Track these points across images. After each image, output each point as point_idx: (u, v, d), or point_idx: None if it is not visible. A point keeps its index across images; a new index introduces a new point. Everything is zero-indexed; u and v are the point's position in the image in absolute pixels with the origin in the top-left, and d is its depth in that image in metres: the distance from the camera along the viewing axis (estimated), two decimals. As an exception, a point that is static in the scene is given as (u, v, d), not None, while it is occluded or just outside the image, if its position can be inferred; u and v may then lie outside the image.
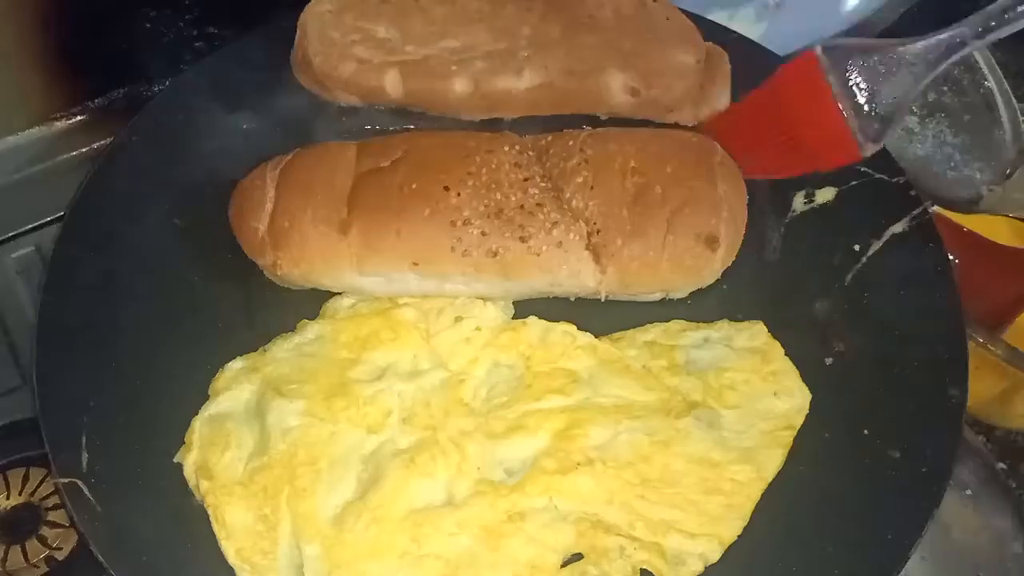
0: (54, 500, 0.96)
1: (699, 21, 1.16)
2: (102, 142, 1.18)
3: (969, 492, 1.00)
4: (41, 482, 0.97)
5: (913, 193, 1.01)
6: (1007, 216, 1.23)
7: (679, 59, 1.05)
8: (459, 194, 0.90)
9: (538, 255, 0.90)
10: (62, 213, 1.10)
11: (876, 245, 0.98)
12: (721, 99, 1.07)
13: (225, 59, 1.12)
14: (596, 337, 0.93)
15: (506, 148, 0.93)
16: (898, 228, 0.99)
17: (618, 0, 1.07)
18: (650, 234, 0.90)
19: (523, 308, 0.95)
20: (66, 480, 0.83)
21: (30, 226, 1.14)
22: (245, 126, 1.05)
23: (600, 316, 0.95)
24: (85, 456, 0.85)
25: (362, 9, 1.07)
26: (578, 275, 0.92)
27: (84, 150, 1.19)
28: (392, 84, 1.05)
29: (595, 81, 1.04)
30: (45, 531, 0.94)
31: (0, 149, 1.17)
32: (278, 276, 0.95)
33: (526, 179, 0.91)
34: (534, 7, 1.08)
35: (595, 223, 0.91)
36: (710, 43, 1.07)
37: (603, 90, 1.05)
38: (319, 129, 1.06)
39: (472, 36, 1.06)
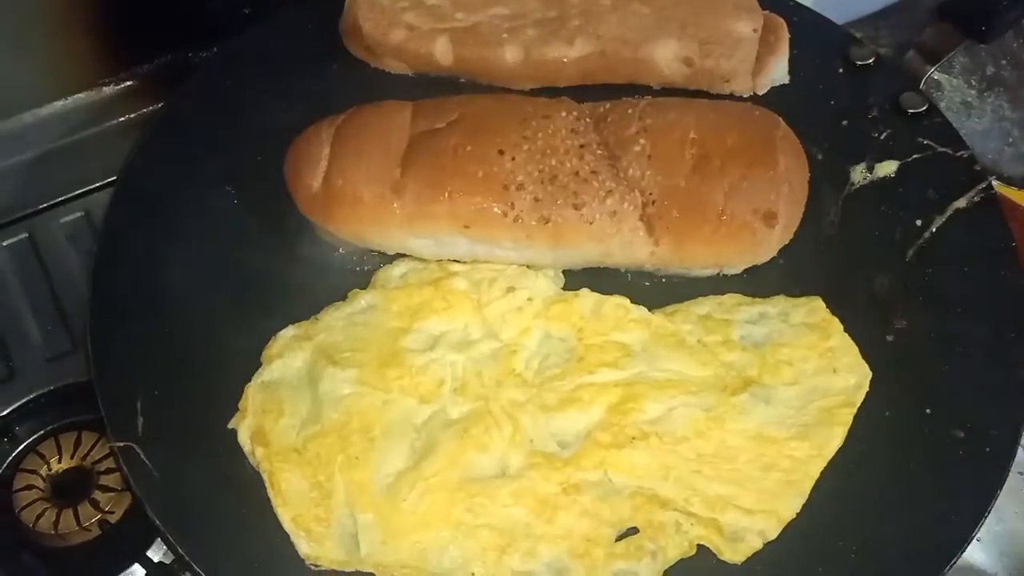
0: (107, 464, 0.96)
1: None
2: (151, 108, 1.18)
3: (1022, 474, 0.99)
4: (93, 446, 0.97)
5: (978, 168, 0.99)
6: (1065, 193, 1.20)
7: (736, 28, 1.03)
8: (514, 158, 0.89)
9: (591, 223, 0.89)
10: (111, 179, 1.11)
11: (939, 220, 0.96)
12: (778, 69, 1.05)
13: (275, 26, 1.11)
14: (649, 311, 0.92)
15: (563, 114, 0.92)
16: (961, 203, 0.97)
17: None
18: (707, 207, 0.89)
19: (575, 281, 0.94)
20: (122, 444, 0.83)
21: (79, 191, 1.14)
22: (295, 93, 1.04)
23: (653, 290, 0.94)
24: (140, 421, 0.85)
25: None
26: (631, 245, 0.90)
27: (132, 116, 1.18)
28: (442, 51, 1.04)
29: (648, 50, 1.02)
30: (97, 495, 0.95)
31: (48, 114, 1.17)
32: (329, 233, 0.95)
33: (582, 146, 0.90)
34: None
35: (651, 193, 0.89)
36: (768, 11, 1.05)
37: (657, 59, 1.03)
38: (369, 97, 1.05)
39: (522, 3, 1.05)
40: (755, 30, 1.03)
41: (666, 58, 1.03)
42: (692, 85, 1.05)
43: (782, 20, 1.06)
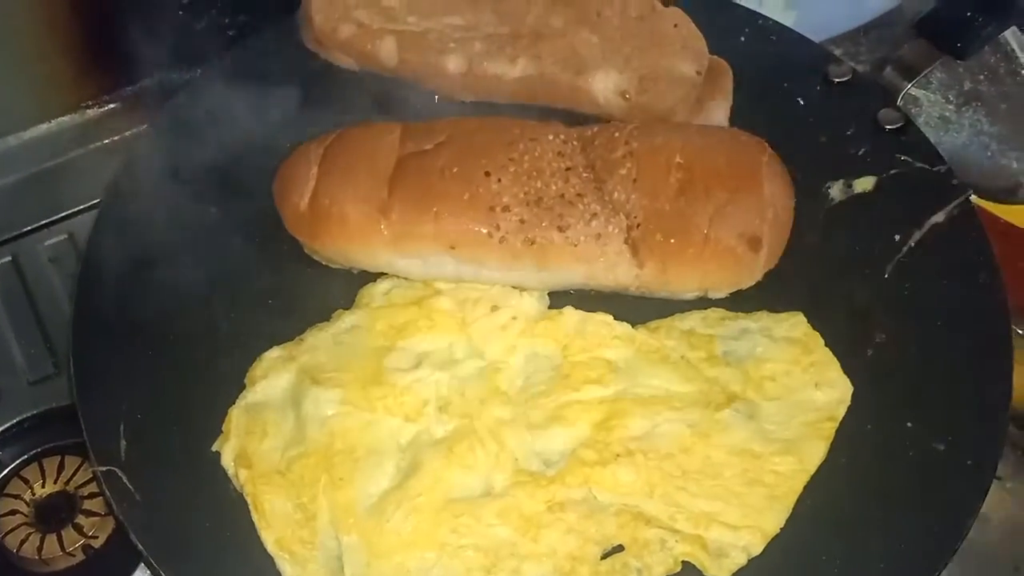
0: (90, 488, 0.96)
1: (731, 8, 1.15)
2: (134, 130, 1.18)
3: (1009, 485, 0.99)
4: (76, 470, 0.97)
5: (955, 182, 1.00)
6: (1044, 206, 1.22)
7: (678, 68, 1.03)
8: (500, 180, 0.89)
9: (575, 245, 0.90)
10: (95, 201, 1.11)
11: (917, 235, 0.97)
12: (717, 114, 1.04)
13: (258, 47, 1.12)
14: (633, 326, 0.92)
15: (550, 136, 0.92)
16: (939, 218, 0.97)
17: (628, 0, 1.06)
18: (691, 231, 0.89)
19: (558, 300, 0.94)
20: (104, 468, 0.83)
21: (63, 214, 1.15)
22: (279, 112, 1.04)
23: (636, 305, 0.94)
24: (123, 444, 0.85)
25: None
26: (615, 268, 0.91)
27: (116, 138, 1.19)
28: (387, 52, 1.05)
29: (587, 79, 1.03)
30: (81, 519, 0.95)
31: (32, 137, 1.18)
32: (316, 252, 0.95)
33: (568, 168, 0.90)
34: None
35: (636, 217, 0.90)
36: (715, 57, 1.05)
37: (594, 89, 1.03)
38: (355, 117, 1.05)
39: (476, 16, 1.06)
40: (698, 72, 1.03)
41: (604, 89, 1.03)
42: (628, 119, 1.02)
43: (728, 66, 1.05)
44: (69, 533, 0.94)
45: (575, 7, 1.06)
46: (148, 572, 0.90)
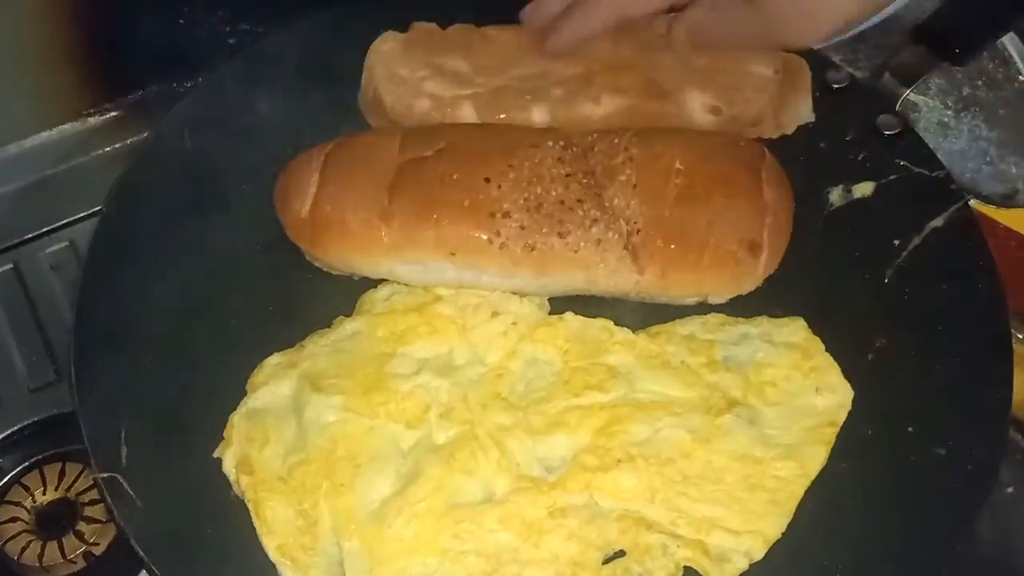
0: (91, 495, 0.96)
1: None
2: (135, 138, 1.18)
3: (1011, 490, 0.99)
4: (77, 477, 0.97)
5: (953, 187, 1.00)
6: (1043, 211, 1.22)
7: (757, 72, 1.02)
8: (500, 186, 0.90)
9: (575, 251, 0.90)
10: (96, 209, 1.11)
11: (916, 240, 0.97)
12: (803, 109, 1.04)
13: (259, 55, 1.12)
14: (633, 332, 0.92)
15: (550, 143, 0.92)
16: (938, 222, 0.98)
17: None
18: (691, 237, 0.89)
19: (559, 306, 0.94)
20: (105, 475, 0.83)
21: (64, 221, 1.15)
22: (280, 121, 1.05)
23: (637, 311, 0.94)
24: (124, 451, 0.85)
25: (427, 44, 1.05)
26: (616, 274, 0.91)
27: (117, 146, 1.19)
28: (468, 118, 1.01)
29: (675, 102, 1.01)
30: (82, 526, 0.94)
31: (33, 145, 1.18)
32: (317, 259, 0.95)
33: (568, 175, 0.91)
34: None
35: (636, 223, 0.90)
36: (788, 53, 1.04)
37: (684, 110, 1.01)
38: (357, 124, 1.06)
39: (543, 64, 1.03)
40: (776, 71, 1.02)
41: (694, 108, 1.01)
42: (723, 132, 1.01)
43: (802, 60, 1.04)
44: (70, 540, 0.94)
45: (638, 35, 1.04)
46: (149, 579, 0.89)
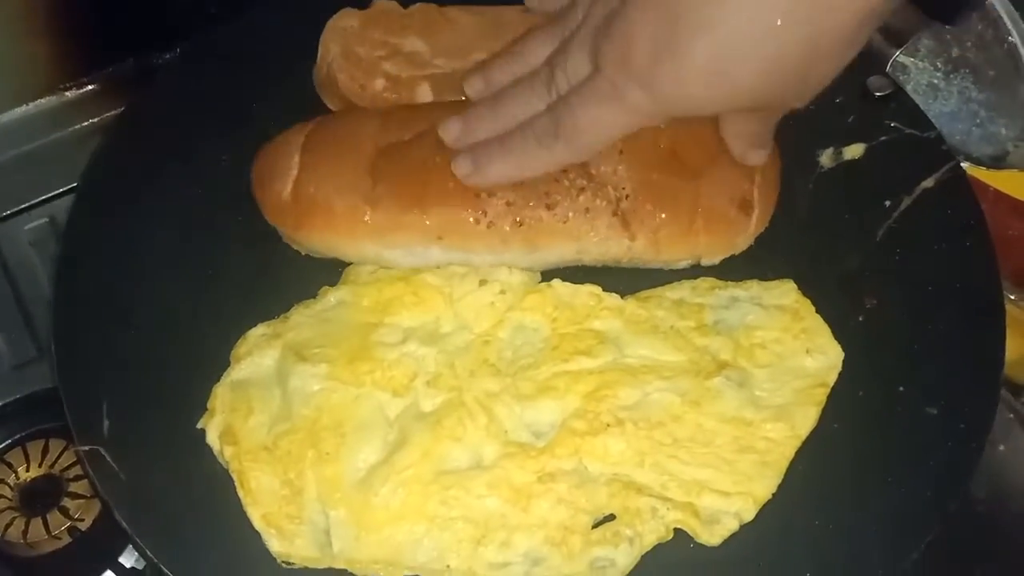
0: (75, 471, 0.95)
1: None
2: (113, 112, 1.16)
3: (1003, 448, 0.99)
4: (61, 453, 0.96)
5: (944, 148, 0.99)
6: (1034, 174, 1.21)
7: None
8: None
9: (565, 222, 0.88)
10: (75, 184, 1.09)
11: (907, 201, 0.96)
12: None
13: (240, 27, 1.10)
14: (622, 297, 0.91)
15: None
16: (929, 183, 0.97)
17: None
18: (680, 199, 0.88)
19: (546, 273, 0.93)
20: (88, 447, 0.82)
21: (43, 197, 1.13)
22: (259, 94, 1.03)
23: (626, 276, 0.93)
24: (106, 423, 0.83)
25: (387, 23, 1.03)
26: (607, 241, 0.89)
27: (95, 120, 1.17)
28: (424, 99, 1.00)
29: None
30: (67, 502, 0.94)
31: (9, 120, 1.16)
32: (297, 242, 0.93)
33: None
34: None
35: (624, 188, 0.89)
36: None
37: None
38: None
39: (504, 48, 0.99)
40: None
41: None
42: None
43: None
44: (55, 516, 0.93)
45: None
46: (136, 553, 0.89)
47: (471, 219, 0.88)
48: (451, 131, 0.89)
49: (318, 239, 0.92)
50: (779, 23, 0.73)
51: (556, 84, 0.85)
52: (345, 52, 1.01)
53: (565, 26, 0.88)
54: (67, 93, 1.17)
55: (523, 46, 0.92)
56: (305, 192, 0.90)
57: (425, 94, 1.00)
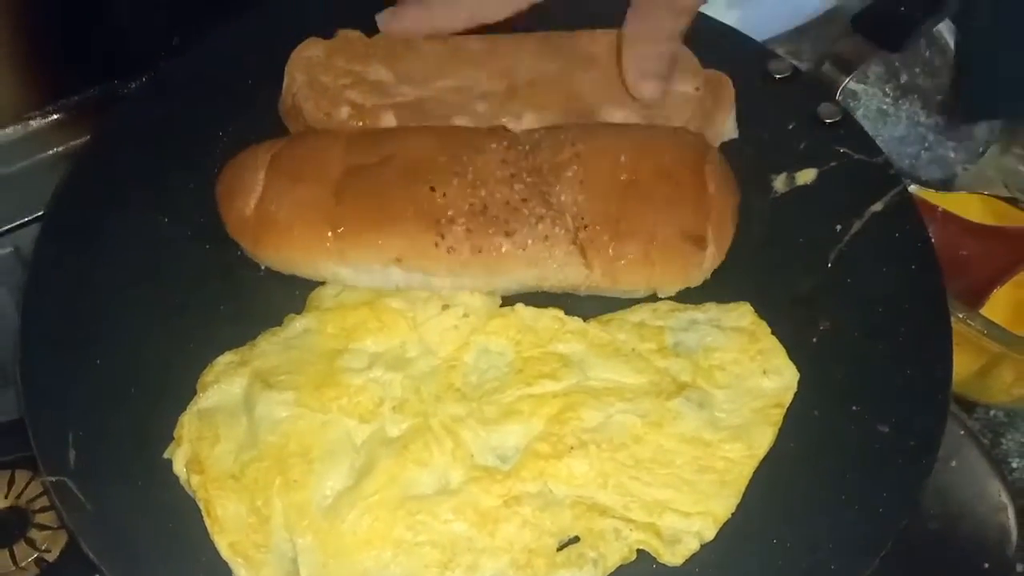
0: (42, 502, 0.95)
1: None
2: (78, 140, 1.16)
3: (954, 463, 1.02)
4: (27, 484, 0.96)
5: (892, 172, 1.03)
6: (980, 194, 1.26)
7: (678, 89, 1.02)
8: (444, 194, 0.90)
9: (523, 249, 0.90)
10: (40, 213, 1.09)
11: (857, 224, 0.99)
12: (728, 125, 1.04)
13: (202, 55, 1.11)
14: (584, 320, 0.93)
15: (494, 145, 0.93)
16: (878, 207, 1.00)
17: (611, 35, 1.04)
18: (637, 231, 0.90)
19: (510, 297, 0.95)
20: (54, 478, 0.82)
21: (8, 227, 1.13)
22: (224, 121, 1.04)
23: (588, 304, 0.95)
24: (73, 454, 0.83)
25: (351, 52, 1.04)
26: (565, 269, 0.91)
27: (60, 149, 1.17)
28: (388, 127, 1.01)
29: (595, 119, 1.01)
30: (34, 533, 0.93)
31: (-27, 149, 1.16)
32: (257, 258, 0.95)
33: (512, 175, 0.91)
34: (526, 46, 1.05)
35: (583, 218, 0.91)
36: (710, 70, 1.05)
37: None
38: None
39: (468, 76, 1.03)
40: (697, 88, 1.02)
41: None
42: None
43: (725, 76, 1.05)
44: (22, 548, 0.92)
45: (564, 51, 1.04)
46: (102, 583, 0.88)
47: (431, 243, 0.89)
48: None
49: (276, 256, 0.93)
50: None
51: None
52: (310, 81, 1.02)
53: None
54: (32, 122, 1.17)
55: None
56: (267, 210, 0.92)
57: (389, 122, 1.01)
